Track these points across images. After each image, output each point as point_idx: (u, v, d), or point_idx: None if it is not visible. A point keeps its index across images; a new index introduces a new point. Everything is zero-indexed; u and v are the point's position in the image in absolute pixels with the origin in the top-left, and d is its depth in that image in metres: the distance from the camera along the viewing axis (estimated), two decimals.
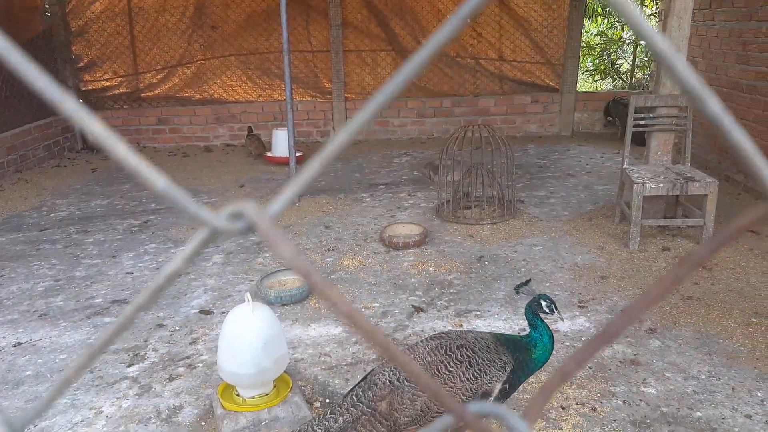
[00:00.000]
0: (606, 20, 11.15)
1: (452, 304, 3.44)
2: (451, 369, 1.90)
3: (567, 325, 3.13)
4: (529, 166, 6.49)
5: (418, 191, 5.67)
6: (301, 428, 1.94)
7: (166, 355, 2.98)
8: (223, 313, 3.32)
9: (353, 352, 2.97)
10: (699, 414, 2.43)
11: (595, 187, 5.61)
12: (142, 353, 2.99)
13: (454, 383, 1.88)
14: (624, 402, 2.51)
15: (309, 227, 4.72)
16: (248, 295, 2.31)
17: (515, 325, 3.16)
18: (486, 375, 1.91)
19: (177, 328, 3.25)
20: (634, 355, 2.85)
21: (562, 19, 7.73)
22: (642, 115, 4.28)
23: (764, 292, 3.44)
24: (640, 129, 4.31)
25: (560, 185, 5.72)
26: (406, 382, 1.88)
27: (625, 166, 4.30)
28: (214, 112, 7.83)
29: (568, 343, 2.97)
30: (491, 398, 1.96)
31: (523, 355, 1.97)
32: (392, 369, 1.94)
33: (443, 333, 2.08)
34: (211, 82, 7.87)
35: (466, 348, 1.94)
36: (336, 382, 2.73)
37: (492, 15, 7.73)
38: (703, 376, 2.68)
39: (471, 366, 1.91)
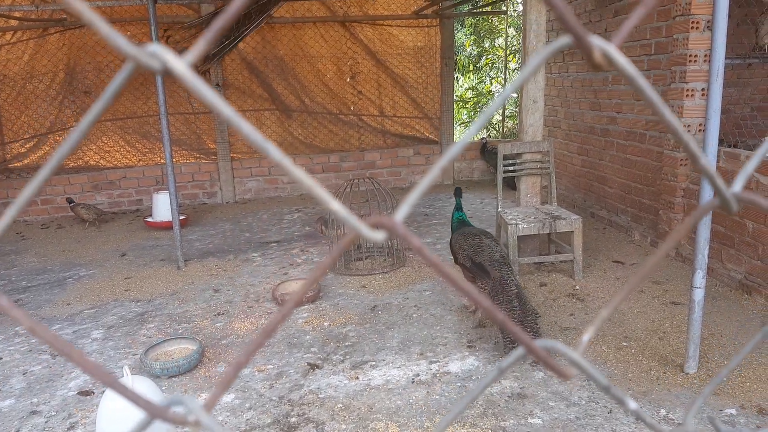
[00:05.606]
0: (476, 75, 11.99)
1: (348, 357, 3.45)
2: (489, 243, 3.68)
3: (458, 366, 3.24)
4: (416, 215, 6.73)
5: (311, 246, 5.69)
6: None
7: None
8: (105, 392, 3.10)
9: (247, 419, 2.88)
10: None
11: None
12: None
13: (491, 248, 3.60)
14: None
15: (197, 292, 4.57)
16: (126, 368, 2.20)
17: (409, 372, 3.22)
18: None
19: (53, 413, 3.00)
20: (521, 388, 2.99)
21: (435, 76, 8.24)
22: (510, 161, 4.62)
23: (631, 317, 3.76)
24: (510, 174, 4.64)
25: (445, 231, 5.96)
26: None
27: (499, 209, 4.59)
28: (90, 179, 7.46)
29: (459, 384, 3.06)
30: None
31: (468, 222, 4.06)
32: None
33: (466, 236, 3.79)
34: (86, 148, 7.52)
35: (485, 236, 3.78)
36: None
37: (370, 74, 8.08)
38: (584, 402, 2.85)
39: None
